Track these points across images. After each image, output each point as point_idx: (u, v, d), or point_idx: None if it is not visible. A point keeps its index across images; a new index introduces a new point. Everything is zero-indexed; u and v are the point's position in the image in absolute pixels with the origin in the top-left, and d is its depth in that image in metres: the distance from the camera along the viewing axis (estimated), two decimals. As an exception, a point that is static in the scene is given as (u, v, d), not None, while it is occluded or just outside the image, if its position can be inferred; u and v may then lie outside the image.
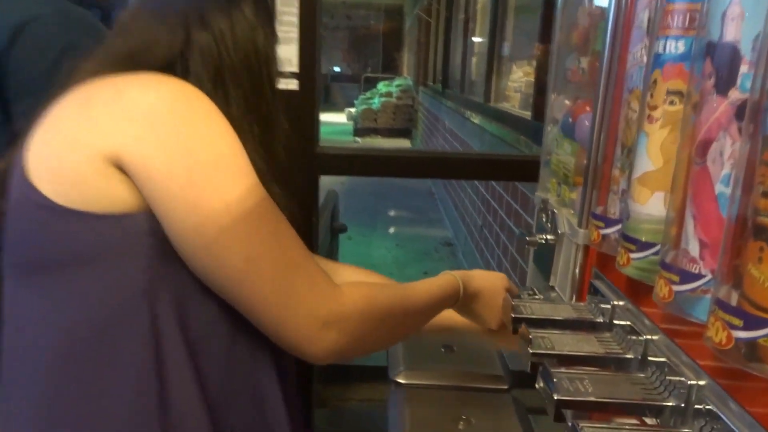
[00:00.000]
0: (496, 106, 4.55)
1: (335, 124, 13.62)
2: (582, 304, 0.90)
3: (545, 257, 1.10)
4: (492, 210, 3.71)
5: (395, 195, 7.21)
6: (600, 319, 0.84)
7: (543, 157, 1.19)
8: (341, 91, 19.41)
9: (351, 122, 12.91)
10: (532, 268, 1.19)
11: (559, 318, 0.84)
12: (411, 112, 11.53)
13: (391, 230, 5.60)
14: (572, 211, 1.02)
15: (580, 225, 0.94)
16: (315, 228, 1.54)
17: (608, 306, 0.84)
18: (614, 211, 0.85)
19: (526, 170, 1.45)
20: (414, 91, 11.75)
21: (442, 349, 1.25)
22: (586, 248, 0.94)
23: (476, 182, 4.33)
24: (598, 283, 0.89)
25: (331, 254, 2.89)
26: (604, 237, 0.83)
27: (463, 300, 0.91)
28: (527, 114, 3.41)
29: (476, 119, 4.56)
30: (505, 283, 0.97)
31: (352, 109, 13.26)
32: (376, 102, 12.06)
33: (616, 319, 0.81)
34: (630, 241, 0.73)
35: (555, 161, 1.10)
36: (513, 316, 0.83)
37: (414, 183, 7.72)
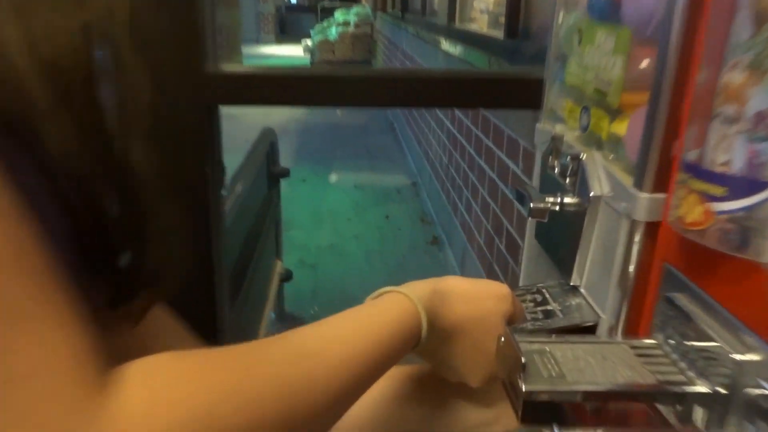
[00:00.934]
0: (462, 27, 4.03)
1: (292, 57, 12.85)
2: (651, 342, 0.47)
3: (558, 234, 0.66)
4: (459, 146, 3.26)
5: (353, 131, 6.68)
6: (703, 387, 0.41)
7: (549, 70, 0.73)
8: (298, 22, 18.47)
9: (308, 55, 12.16)
10: (531, 247, 0.75)
11: (620, 388, 0.41)
12: (370, 42, 10.82)
13: (336, 177, 5.07)
14: (611, 156, 0.57)
15: (640, 184, 0.50)
16: (214, 184, 1.07)
17: (715, 350, 0.41)
18: (725, 159, 0.41)
19: (514, 92, 0.99)
20: (372, 19, 11.02)
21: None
22: (652, 229, 0.50)
23: (440, 115, 3.86)
24: (681, 300, 0.46)
25: (271, 204, 2.42)
26: (718, 216, 0.39)
27: (427, 342, 0.47)
28: (498, 33, 2.93)
29: (440, 44, 4.05)
30: (506, 305, 0.51)
31: (309, 41, 12.48)
32: (333, 32, 11.28)
33: (753, 388, 0.38)
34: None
35: (575, 71, 0.65)
36: (526, 391, 0.39)
37: (374, 117, 7.19)
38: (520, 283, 0.74)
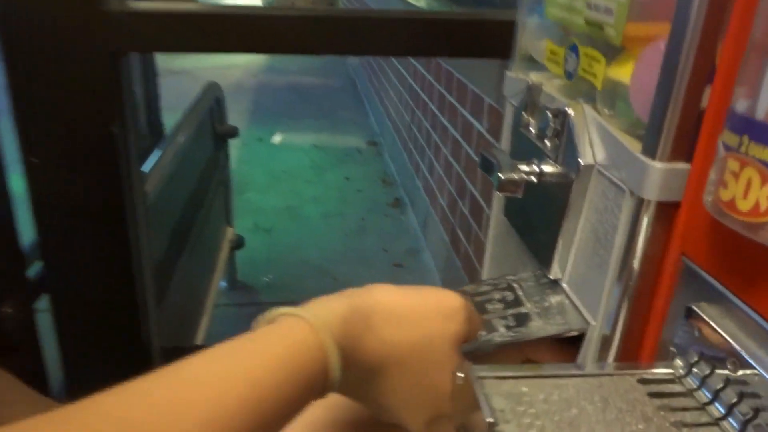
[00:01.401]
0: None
1: (249, 10, 12.38)
2: (668, 372, 0.34)
3: (534, 212, 0.52)
4: (421, 103, 3.10)
5: (313, 89, 6.44)
6: (755, 453, 0.28)
7: (524, 3, 0.59)
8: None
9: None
10: (498, 224, 0.61)
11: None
12: (331, -5, 10.47)
13: (279, 137, 4.85)
14: (608, 111, 0.44)
15: (652, 150, 0.36)
16: (125, 149, 0.90)
17: (766, 387, 0.28)
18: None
19: (480, 37, 0.84)
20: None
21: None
22: (666, 210, 0.37)
23: (402, 70, 3.68)
24: (709, 311, 0.33)
25: (217, 167, 2.24)
26: (790, 202, 0.26)
27: (344, 383, 0.33)
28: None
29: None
30: (456, 323, 0.37)
31: (268, -7, 12.00)
32: (293, -17, 10.87)
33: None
34: None
35: (557, -1, 0.50)
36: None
37: (335, 74, 6.95)
38: (485, 270, 0.61)
